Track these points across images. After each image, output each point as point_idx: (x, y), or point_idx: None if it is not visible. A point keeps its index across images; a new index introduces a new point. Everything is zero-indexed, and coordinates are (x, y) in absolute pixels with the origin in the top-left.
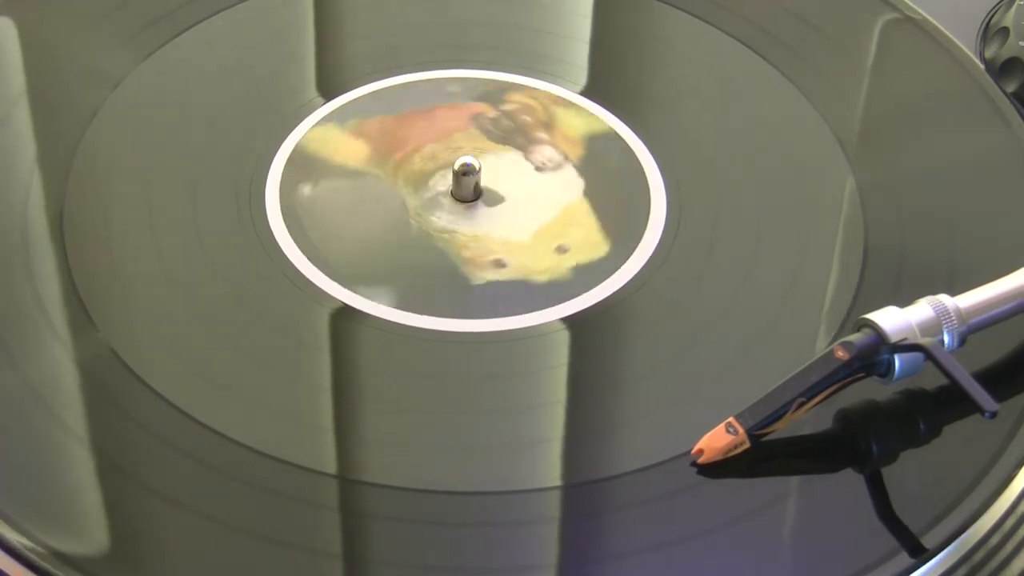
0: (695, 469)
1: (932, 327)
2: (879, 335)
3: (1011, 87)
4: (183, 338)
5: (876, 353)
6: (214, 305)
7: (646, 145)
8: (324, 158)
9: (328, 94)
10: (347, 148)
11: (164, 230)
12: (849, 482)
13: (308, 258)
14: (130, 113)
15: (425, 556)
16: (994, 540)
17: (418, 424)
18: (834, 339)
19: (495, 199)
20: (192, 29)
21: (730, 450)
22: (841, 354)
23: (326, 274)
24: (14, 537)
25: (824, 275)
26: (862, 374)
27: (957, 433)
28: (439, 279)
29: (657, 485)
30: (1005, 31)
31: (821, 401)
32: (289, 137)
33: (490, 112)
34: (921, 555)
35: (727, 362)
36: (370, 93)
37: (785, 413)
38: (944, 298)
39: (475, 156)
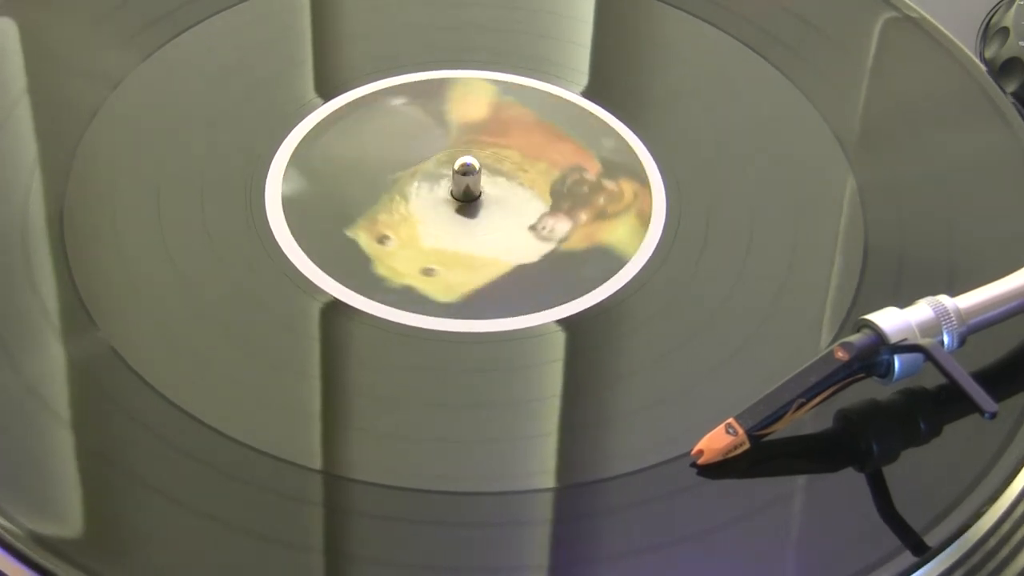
0: (695, 470)
1: (932, 328)
2: (879, 336)
3: (1011, 87)
4: (183, 337)
5: (876, 354)
6: (214, 304)
7: (646, 145)
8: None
9: (328, 94)
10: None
11: (164, 230)
12: (849, 482)
13: (308, 258)
14: (130, 113)
15: (424, 556)
16: (994, 540)
17: (417, 424)
18: (834, 339)
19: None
20: (192, 29)
21: (730, 451)
22: (841, 355)
23: (326, 273)
24: (14, 535)
25: (824, 275)
26: (862, 375)
27: (957, 433)
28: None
29: (657, 486)
30: (1005, 31)
31: (821, 402)
32: (289, 137)
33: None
34: (922, 555)
35: (727, 363)
36: (371, 93)
37: (785, 414)
38: (944, 299)
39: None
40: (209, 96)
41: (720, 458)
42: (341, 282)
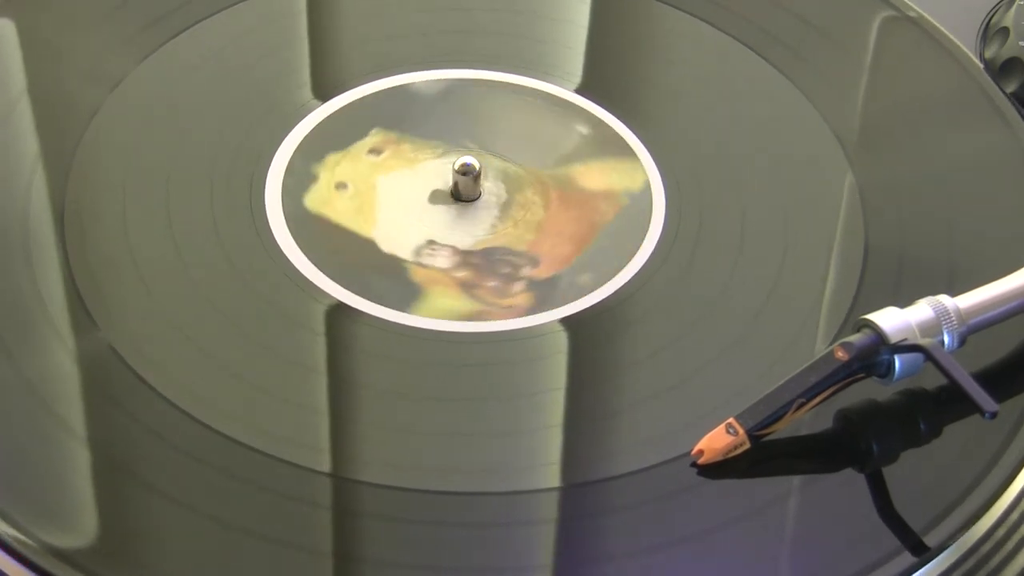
0: (695, 470)
1: (932, 327)
2: (879, 335)
3: (1011, 87)
4: (183, 337)
5: (876, 353)
6: (214, 304)
7: (646, 145)
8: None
9: (327, 94)
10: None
11: (164, 229)
12: (850, 482)
13: (308, 258)
14: (130, 113)
15: (424, 556)
16: (994, 540)
17: (417, 424)
18: (834, 339)
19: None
20: (191, 29)
21: (730, 451)
22: (841, 355)
23: (326, 274)
24: (14, 536)
25: (824, 275)
26: (862, 375)
27: (957, 433)
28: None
29: (657, 486)
30: (1005, 31)
31: (821, 402)
32: (289, 137)
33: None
34: (922, 555)
35: (726, 363)
36: (370, 94)
37: (785, 414)
38: (944, 298)
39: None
40: (208, 96)
41: (720, 458)
42: (341, 283)
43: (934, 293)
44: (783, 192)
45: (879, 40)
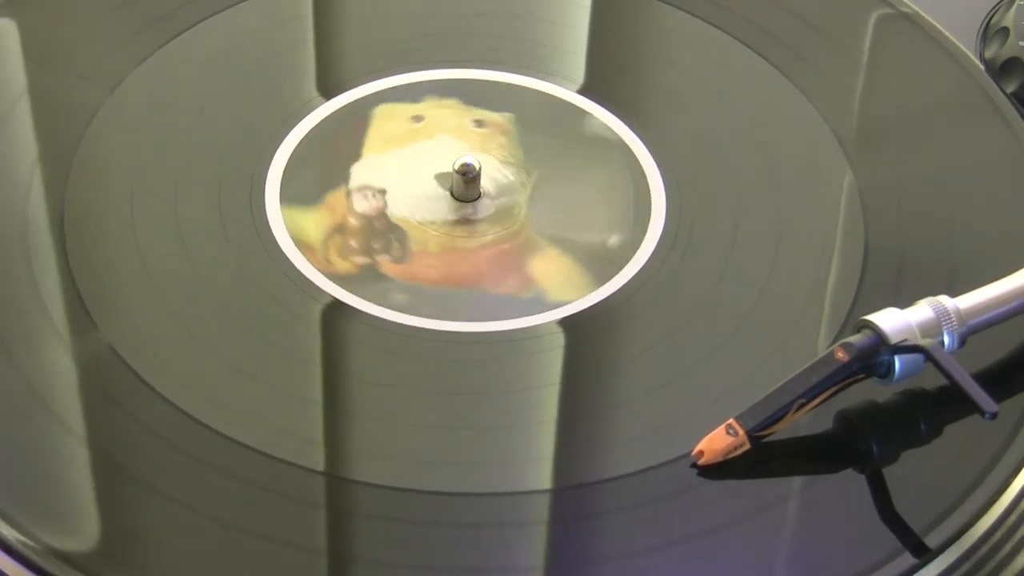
0: (695, 471)
1: (932, 328)
2: (879, 336)
3: (1011, 87)
4: (183, 338)
5: (876, 354)
6: (214, 305)
7: (646, 145)
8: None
9: (328, 93)
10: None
11: (164, 230)
12: (850, 483)
13: (308, 258)
14: (130, 113)
15: (422, 556)
16: (994, 540)
17: (415, 424)
18: (834, 340)
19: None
20: (192, 29)
21: (730, 452)
22: (841, 355)
23: (326, 274)
24: (14, 536)
25: (824, 275)
26: (862, 375)
27: (958, 433)
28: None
29: (657, 487)
30: (1005, 31)
31: (821, 402)
32: (289, 137)
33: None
34: (922, 556)
35: (727, 363)
36: (370, 94)
37: (785, 414)
38: (944, 299)
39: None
40: (209, 96)
41: (720, 459)
42: (341, 283)
43: (934, 293)
44: (783, 192)
45: (879, 40)
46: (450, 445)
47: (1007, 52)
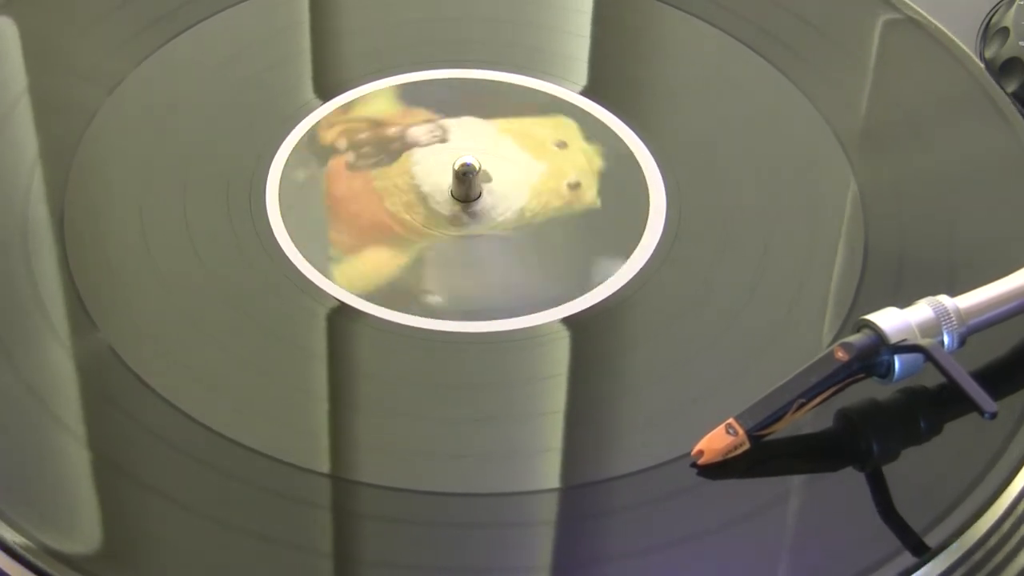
0: (695, 470)
1: (932, 328)
2: (879, 336)
3: (1011, 87)
4: (183, 338)
5: (876, 354)
6: (214, 305)
7: (646, 145)
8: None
9: (327, 94)
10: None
11: (164, 230)
12: (850, 482)
13: (308, 258)
14: (130, 113)
15: (424, 557)
16: (994, 540)
17: (417, 424)
18: (834, 340)
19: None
20: (191, 29)
21: (730, 451)
22: (841, 355)
23: (326, 275)
24: (13, 536)
25: (824, 275)
26: (862, 375)
27: (958, 432)
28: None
29: (657, 486)
30: (1005, 31)
31: (821, 402)
32: (289, 137)
33: (350, 158)
34: (923, 554)
35: (727, 363)
36: (370, 93)
37: (785, 414)
38: (944, 299)
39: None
40: (209, 96)
41: (720, 458)
42: (341, 283)
43: (934, 293)
44: (783, 192)
45: (880, 40)
46: (450, 445)
47: (1007, 52)
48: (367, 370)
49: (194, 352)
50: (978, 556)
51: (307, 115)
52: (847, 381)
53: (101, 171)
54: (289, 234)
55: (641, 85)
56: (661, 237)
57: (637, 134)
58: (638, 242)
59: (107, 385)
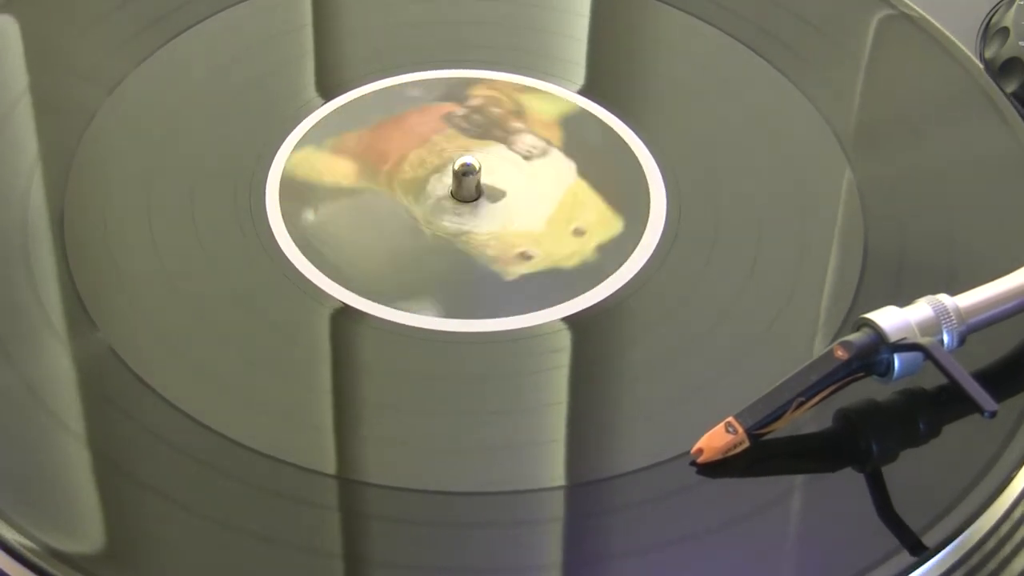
0: (695, 469)
1: (931, 327)
2: (878, 334)
3: (1011, 87)
4: (183, 338)
5: (875, 352)
6: (214, 305)
7: (646, 145)
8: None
9: (327, 94)
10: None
11: (164, 230)
12: (849, 481)
13: (308, 258)
14: (130, 113)
15: (425, 556)
16: (994, 540)
17: (418, 424)
18: (834, 339)
19: (496, 195)
20: (191, 30)
21: (730, 450)
22: (840, 353)
23: (326, 274)
24: (13, 536)
25: (824, 275)
26: (861, 374)
27: (957, 432)
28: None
29: (657, 485)
30: (1005, 31)
31: (821, 401)
32: (289, 137)
33: (459, 110)
34: (922, 554)
35: (726, 362)
36: (370, 93)
37: (785, 412)
38: (943, 298)
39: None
40: (209, 96)
41: (720, 457)
42: (341, 283)
43: (934, 292)
44: (783, 192)
45: (879, 40)
46: (450, 444)
47: (1007, 52)
48: (367, 370)
49: (194, 352)
50: (977, 556)
51: (307, 115)
52: (847, 380)
53: (101, 171)
54: (289, 234)
55: (641, 86)
56: (660, 237)
57: (637, 134)
58: (637, 242)
59: (107, 385)
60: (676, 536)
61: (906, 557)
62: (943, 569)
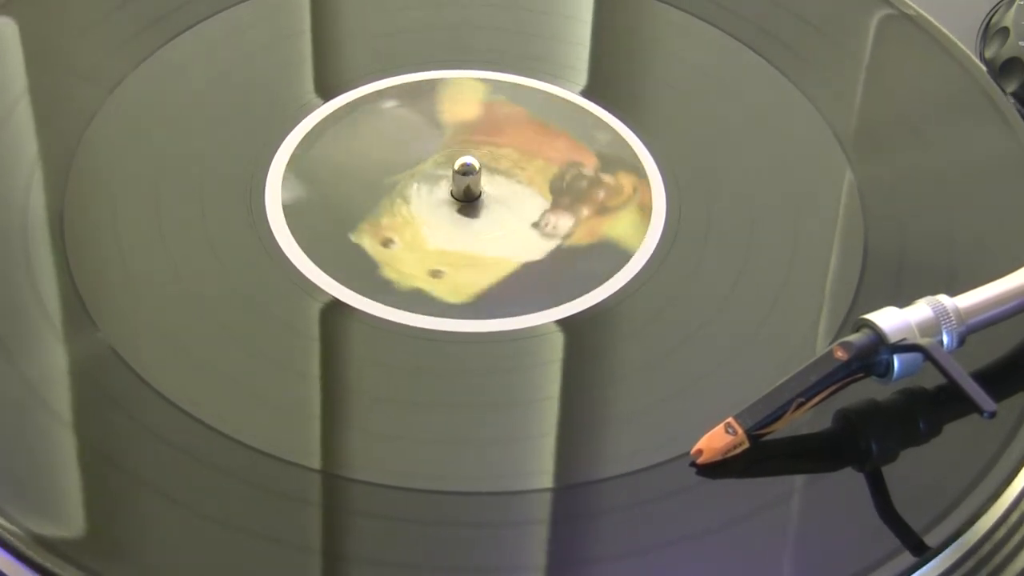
0: (694, 470)
1: (931, 327)
2: (878, 335)
3: (1011, 87)
4: (183, 338)
5: (875, 353)
6: (214, 305)
7: (646, 145)
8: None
9: (327, 94)
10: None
11: (164, 230)
12: (849, 482)
13: (308, 258)
14: (130, 114)
15: (425, 556)
16: (994, 540)
17: (416, 424)
18: (834, 339)
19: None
20: (191, 30)
21: (729, 450)
22: (840, 354)
23: (326, 274)
24: (13, 535)
25: (824, 275)
26: (861, 374)
27: (957, 432)
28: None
29: (656, 486)
30: (1005, 31)
31: (820, 401)
32: (289, 137)
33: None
34: (922, 554)
35: (726, 362)
36: (370, 93)
37: (784, 413)
38: (943, 298)
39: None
40: (208, 96)
41: (719, 457)
42: (341, 282)
43: (934, 293)
44: (783, 192)
45: (879, 40)
46: (448, 444)
47: (1007, 52)
48: (365, 369)
49: (194, 351)
50: (978, 556)
51: (307, 115)
52: (846, 380)
53: (101, 171)
54: (289, 234)
55: (641, 85)
56: (660, 238)
57: (637, 134)
58: (641, 235)
59: (107, 385)
60: (676, 537)
61: (908, 557)
62: (943, 569)
